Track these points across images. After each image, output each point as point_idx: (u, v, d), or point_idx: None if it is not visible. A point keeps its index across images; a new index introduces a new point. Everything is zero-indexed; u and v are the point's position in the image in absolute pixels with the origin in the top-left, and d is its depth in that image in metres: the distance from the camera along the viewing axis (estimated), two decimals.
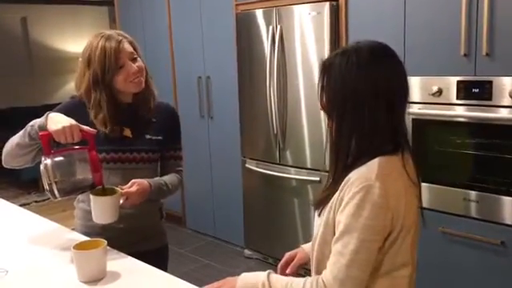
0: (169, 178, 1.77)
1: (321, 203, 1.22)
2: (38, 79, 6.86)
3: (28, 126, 1.58)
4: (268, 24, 3.18)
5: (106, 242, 1.42)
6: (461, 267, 2.51)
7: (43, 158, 1.47)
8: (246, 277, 1.23)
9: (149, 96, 1.76)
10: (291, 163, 3.23)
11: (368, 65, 1.14)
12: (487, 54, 2.28)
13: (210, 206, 3.98)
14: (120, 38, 1.66)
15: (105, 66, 1.62)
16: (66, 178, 1.49)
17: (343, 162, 1.17)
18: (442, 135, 2.52)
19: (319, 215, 1.21)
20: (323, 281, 1.11)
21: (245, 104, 3.50)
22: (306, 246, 1.45)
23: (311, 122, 3.08)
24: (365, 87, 1.12)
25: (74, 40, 7.05)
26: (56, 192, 1.46)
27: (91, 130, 1.54)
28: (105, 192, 1.54)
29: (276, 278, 1.20)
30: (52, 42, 7.03)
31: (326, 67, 1.19)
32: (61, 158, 1.49)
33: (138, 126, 1.75)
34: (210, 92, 3.78)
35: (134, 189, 1.58)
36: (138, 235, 1.73)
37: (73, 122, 1.49)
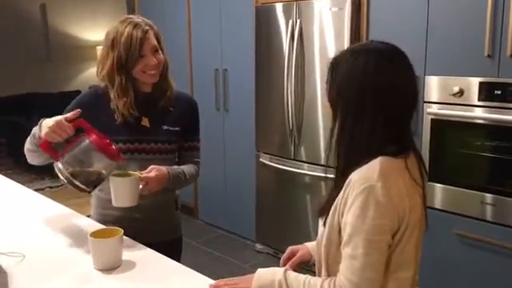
0: (186, 168, 1.77)
1: (325, 210, 1.20)
2: (55, 66, 6.90)
3: (31, 136, 1.61)
4: (288, 18, 3.16)
5: (122, 230, 1.42)
6: (475, 270, 2.48)
7: (55, 164, 1.46)
8: (263, 274, 1.23)
9: (166, 87, 1.76)
10: (306, 159, 3.22)
11: (375, 68, 1.12)
12: (511, 56, 2.24)
13: (223, 198, 3.98)
14: (147, 28, 1.65)
15: (129, 53, 1.62)
16: (82, 170, 1.47)
17: (344, 162, 1.16)
18: (462, 136, 2.48)
19: (324, 224, 1.19)
20: (340, 286, 1.10)
21: (261, 98, 3.48)
22: (310, 245, 1.44)
23: (327, 118, 3.04)
24: (368, 89, 1.12)
25: (92, 28, 7.08)
26: (81, 185, 1.45)
27: (74, 113, 1.49)
28: (124, 175, 1.54)
29: (293, 276, 1.19)
30: (70, 29, 7.07)
31: (334, 65, 1.19)
32: (68, 155, 1.46)
33: (156, 116, 1.74)
34: (226, 85, 3.77)
35: (152, 174, 1.58)
36: (154, 226, 1.74)
37: (57, 118, 1.47)
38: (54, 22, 6.93)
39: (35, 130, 1.58)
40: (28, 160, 1.69)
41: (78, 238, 1.61)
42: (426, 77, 2.55)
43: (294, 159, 3.28)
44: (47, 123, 1.48)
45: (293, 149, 3.28)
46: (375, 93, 1.11)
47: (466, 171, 2.48)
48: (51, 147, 1.47)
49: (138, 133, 1.71)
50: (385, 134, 1.13)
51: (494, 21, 2.28)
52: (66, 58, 6.97)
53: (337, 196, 1.14)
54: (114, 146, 1.50)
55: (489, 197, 2.39)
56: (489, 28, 2.28)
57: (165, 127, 1.75)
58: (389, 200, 1.06)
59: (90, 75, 7.19)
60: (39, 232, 1.68)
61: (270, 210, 3.55)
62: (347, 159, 1.15)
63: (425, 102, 2.57)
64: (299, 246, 1.45)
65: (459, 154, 2.49)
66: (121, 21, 1.67)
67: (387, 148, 1.12)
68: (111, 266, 1.40)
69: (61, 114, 1.53)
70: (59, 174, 1.45)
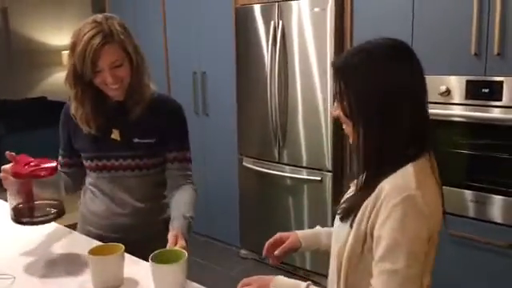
0: (188, 207, 1.58)
1: (350, 212, 1.14)
2: (18, 72, 6.62)
3: None
4: (269, 19, 3.11)
5: (123, 246, 1.33)
6: (468, 270, 2.49)
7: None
8: (283, 283, 1.16)
9: (140, 96, 1.56)
10: (290, 162, 3.17)
11: (393, 62, 1.08)
12: (498, 54, 2.25)
13: (204, 204, 3.88)
14: (108, 38, 1.43)
15: (83, 65, 1.43)
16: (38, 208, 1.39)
17: (375, 168, 1.10)
18: (450, 136, 2.49)
19: (350, 225, 1.12)
20: None
21: (243, 101, 3.42)
22: (300, 233, 1.40)
23: (312, 120, 3.02)
24: (392, 86, 1.07)
25: (56, 32, 6.85)
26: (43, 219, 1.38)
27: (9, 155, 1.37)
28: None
29: None
30: (33, 33, 6.80)
31: (341, 69, 1.12)
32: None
33: (128, 127, 1.58)
34: (205, 88, 3.69)
35: (183, 243, 1.39)
36: (151, 242, 1.61)
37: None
38: (16, 27, 6.66)
39: None
40: None
41: (70, 256, 1.51)
42: None
43: (278, 162, 3.23)
44: None
45: (277, 151, 3.23)
46: (399, 87, 1.07)
47: (457, 170, 2.49)
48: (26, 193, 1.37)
49: (106, 148, 1.57)
50: (411, 133, 1.08)
51: (480, 19, 2.29)
52: (30, 64, 6.72)
53: (362, 202, 1.09)
54: (44, 165, 1.34)
55: (481, 195, 2.40)
56: (475, 26, 2.29)
57: (136, 140, 1.57)
58: (427, 209, 1.02)
59: (56, 81, 6.95)
60: (28, 251, 1.56)
61: (255, 215, 3.48)
62: (377, 165, 1.10)
63: None
64: (289, 233, 1.41)
65: (449, 153, 2.50)
66: (87, 22, 1.47)
67: (412, 150, 1.08)
68: (112, 286, 1.30)
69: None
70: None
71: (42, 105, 6.32)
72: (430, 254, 1.10)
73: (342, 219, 1.16)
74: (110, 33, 1.45)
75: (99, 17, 1.49)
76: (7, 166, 1.37)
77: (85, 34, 1.43)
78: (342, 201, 1.23)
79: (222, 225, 3.78)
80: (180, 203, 1.59)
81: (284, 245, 1.37)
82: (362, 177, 1.14)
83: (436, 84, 2.46)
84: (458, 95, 2.41)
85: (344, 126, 1.17)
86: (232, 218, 3.63)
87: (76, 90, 1.51)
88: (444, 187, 2.43)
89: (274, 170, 3.26)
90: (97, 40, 1.41)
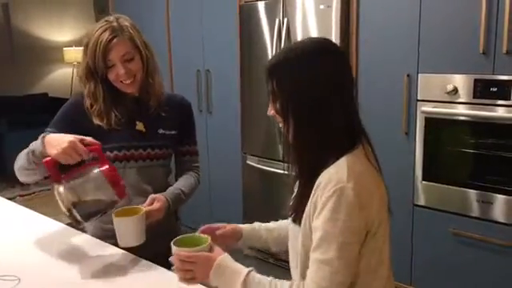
0: (184, 183, 1.69)
1: (298, 211, 1.16)
2: (20, 68, 6.60)
3: (29, 152, 1.46)
4: (273, 17, 3.08)
5: (143, 209, 1.44)
6: (472, 269, 2.47)
7: (55, 186, 1.34)
8: (224, 267, 1.13)
9: (152, 92, 1.64)
10: None
11: (319, 60, 1.11)
12: (507, 52, 2.23)
13: (207, 202, 3.87)
14: (116, 33, 1.51)
15: (94, 60, 1.51)
16: (85, 200, 1.36)
17: (309, 164, 1.13)
18: (457, 135, 2.46)
19: (299, 224, 1.15)
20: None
21: (247, 99, 3.39)
22: (241, 225, 1.41)
23: None
24: (319, 84, 1.09)
25: (58, 29, 6.84)
26: (78, 217, 1.33)
27: (94, 141, 1.40)
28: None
29: (257, 279, 1.10)
30: (35, 30, 6.78)
31: (273, 70, 1.14)
32: (73, 181, 1.36)
33: (151, 120, 1.65)
34: (209, 86, 3.66)
35: (156, 206, 1.49)
36: (155, 238, 1.62)
37: (71, 138, 1.36)
38: (18, 23, 6.64)
39: (34, 145, 1.45)
40: (20, 178, 1.55)
41: (75, 257, 1.50)
42: (419, 75, 2.52)
43: (282, 160, 3.20)
44: (57, 142, 1.36)
45: (281, 150, 3.21)
46: (326, 84, 1.09)
47: (463, 170, 2.46)
48: (56, 167, 1.35)
49: (134, 138, 1.62)
50: (344, 126, 1.11)
51: (488, 16, 2.26)
52: (32, 60, 6.70)
53: (305, 200, 1.11)
54: (122, 182, 1.40)
55: (485, 195, 2.38)
56: (483, 24, 2.27)
57: (161, 131, 1.66)
58: (359, 201, 1.04)
59: (58, 77, 6.95)
60: (33, 252, 1.55)
61: (258, 213, 3.46)
62: (311, 162, 1.12)
63: (418, 101, 2.54)
64: (233, 226, 1.41)
65: (455, 152, 2.47)
66: (99, 23, 1.56)
67: (346, 141, 1.11)
68: (135, 243, 1.40)
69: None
70: (58, 198, 1.33)
71: (43, 101, 6.32)
72: (379, 243, 1.10)
73: (293, 220, 1.20)
74: (120, 28, 1.53)
75: (110, 17, 1.57)
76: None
77: (96, 31, 1.52)
78: (290, 202, 1.25)
79: (225, 222, 3.75)
80: (177, 183, 1.71)
81: (226, 230, 1.37)
82: (300, 175, 1.17)
83: (443, 83, 2.43)
84: (465, 94, 2.38)
85: (280, 125, 1.18)
86: (236, 216, 3.60)
87: (89, 86, 1.56)
88: (449, 187, 2.45)
89: (278, 168, 3.23)
90: (106, 34, 1.49)
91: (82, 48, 1.59)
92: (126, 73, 1.53)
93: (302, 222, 1.12)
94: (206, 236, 1.24)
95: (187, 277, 1.16)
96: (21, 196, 5.01)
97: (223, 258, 1.14)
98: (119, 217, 1.39)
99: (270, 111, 1.18)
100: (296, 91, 1.10)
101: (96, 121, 1.56)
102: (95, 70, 1.53)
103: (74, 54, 6.49)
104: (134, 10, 3.94)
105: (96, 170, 1.37)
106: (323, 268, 1.04)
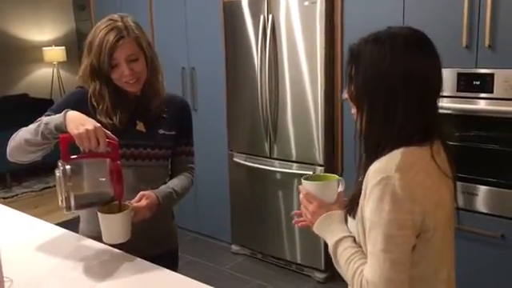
0: (178, 182, 1.67)
1: (352, 203, 1.14)
2: None
3: (41, 124, 1.43)
4: (258, 13, 3.08)
5: (130, 205, 1.43)
6: (461, 261, 2.51)
7: (60, 164, 1.32)
8: (330, 222, 1.18)
9: (154, 93, 1.63)
10: (281, 157, 3.16)
11: (403, 53, 1.07)
12: (489, 46, 2.27)
13: (192, 200, 3.86)
14: (123, 33, 1.49)
15: (99, 60, 1.50)
16: (84, 189, 1.35)
17: (371, 152, 1.10)
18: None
19: (353, 217, 1.13)
20: (367, 281, 1.03)
21: (232, 96, 3.39)
22: None
23: (302, 114, 3.01)
24: (397, 76, 1.06)
25: (36, 28, 6.70)
26: (72, 203, 1.32)
27: (113, 136, 1.40)
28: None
29: (344, 248, 1.11)
30: (11, 29, 6.65)
31: (355, 55, 1.12)
32: (81, 166, 1.35)
33: (151, 120, 1.64)
34: (194, 84, 3.65)
35: (143, 203, 1.48)
36: (151, 237, 1.62)
37: (97, 124, 1.36)
38: None
39: (49, 118, 1.43)
40: (13, 157, 1.51)
41: (67, 258, 1.48)
42: None
43: (269, 157, 3.22)
44: (81, 121, 1.36)
45: (268, 146, 3.22)
46: (405, 77, 1.06)
47: None
48: (68, 146, 1.33)
49: (134, 138, 1.61)
50: (415, 121, 1.07)
51: (471, 11, 2.30)
52: (11, 61, 6.57)
53: (360, 192, 1.09)
54: (123, 185, 1.39)
55: (472, 187, 2.42)
56: (466, 18, 2.31)
57: (161, 131, 1.66)
58: (408, 194, 1.01)
59: (38, 78, 6.83)
60: (26, 253, 1.53)
61: (246, 210, 3.47)
62: (376, 149, 1.09)
63: None
64: None
65: None
66: (102, 21, 1.54)
67: (414, 136, 1.07)
68: (119, 240, 1.40)
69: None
70: (57, 181, 1.32)
71: (24, 102, 6.21)
72: (438, 247, 1.08)
73: (348, 212, 1.17)
74: (125, 28, 1.51)
75: (114, 16, 1.55)
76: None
77: (101, 31, 1.50)
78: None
79: (212, 221, 3.76)
80: (170, 182, 1.69)
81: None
82: (359, 162, 1.14)
83: None
84: (449, 87, 2.42)
85: (352, 110, 1.17)
86: (223, 213, 3.61)
87: (94, 85, 1.55)
88: None
89: (264, 165, 3.24)
90: (112, 35, 1.48)
91: (63, 47, 1.58)
92: (130, 73, 1.53)
93: (358, 215, 1.09)
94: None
95: (307, 215, 1.21)
96: (4, 199, 4.93)
97: (333, 212, 1.19)
98: (104, 213, 1.38)
99: (345, 94, 1.16)
100: (374, 79, 1.08)
101: (103, 119, 1.54)
102: (99, 69, 1.52)
103: (54, 53, 6.39)
104: (116, 7, 3.90)
105: (106, 163, 1.36)
106: (374, 262, 1.02)
